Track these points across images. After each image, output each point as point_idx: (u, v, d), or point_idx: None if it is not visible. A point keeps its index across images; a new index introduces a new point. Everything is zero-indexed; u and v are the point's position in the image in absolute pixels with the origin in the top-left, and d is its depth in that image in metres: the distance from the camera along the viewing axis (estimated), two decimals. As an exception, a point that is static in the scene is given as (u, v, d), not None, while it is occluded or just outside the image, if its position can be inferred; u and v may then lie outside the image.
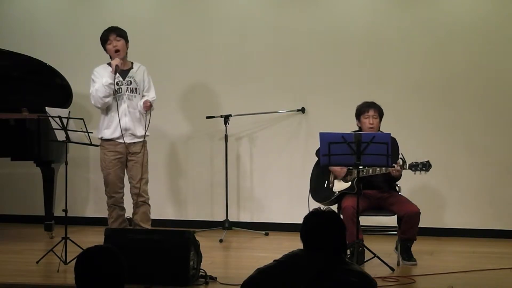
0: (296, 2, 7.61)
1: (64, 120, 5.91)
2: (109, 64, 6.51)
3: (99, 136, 6.55)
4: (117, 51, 6.44)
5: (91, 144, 6.03)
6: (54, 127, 5.99)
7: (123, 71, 6.52)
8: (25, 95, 7.25)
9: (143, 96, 6.58)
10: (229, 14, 7.72)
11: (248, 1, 7.75)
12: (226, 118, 7.42)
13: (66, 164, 6.13)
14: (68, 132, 5.94)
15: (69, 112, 6.06)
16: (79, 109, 7.25)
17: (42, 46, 7.75)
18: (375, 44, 7.49)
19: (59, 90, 7.21)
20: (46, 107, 6.10)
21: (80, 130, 5.96)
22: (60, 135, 6.00)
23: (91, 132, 5.99)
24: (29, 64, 7.19)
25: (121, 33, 6.50)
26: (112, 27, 6.53)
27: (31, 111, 7.06)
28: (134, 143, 6.53)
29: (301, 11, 7.57)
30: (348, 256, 5.75)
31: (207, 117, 7.52)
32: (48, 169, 6.98)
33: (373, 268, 5.72)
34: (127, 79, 6.52)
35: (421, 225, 6.17)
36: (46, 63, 7.15)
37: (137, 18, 7.65)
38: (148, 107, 6.48)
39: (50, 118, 5.99)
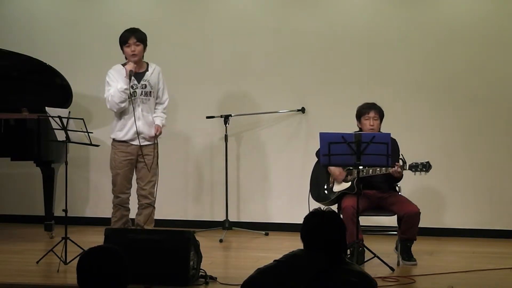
0: (296, 2, 7.61)
1: (64, 120, 5.91)
2: (123, 65, 6.45)
3: (112, 137, 6.52)
4: (133, 55, 6.39)
5: (91, 144, 6.02)
6: (54, 127, 5.99)
7: (138, 74, 6.44)
8: (25, 95, 7.25)
9: (157, 97, 6.55)
10: (229, 14, 7.72)
11: (248, 1, 7.75)
12: (226, 118, 7.43)
13: (66, 164, 6.13)
14: (68, 132, 5.94)
15: (69, 112, 6.06)
16: (79, 109, 7.25)
17: (42, 46, 7.75)
18: (375, 44, 7.49)
19: (59, 90, 7.21)
20: (46, 107, 6.10)
21: (80, 130, 5.96)
22: (60, 135, 6.00)
23: (91, 132, 5.99)
24: (29, 64, 7.19)
25: (141, 37, 6.41)
26: (133, 28, 6.43)
27: (31, 111, 7.05)
28: (146, 145, 6.51)
29: (301, 11, 7.57)
30: (348, 256, 5.75)
31: (207, 117, 7.52)
32: (48, 169, 6.98)
33: (373, 268, 5.72)
34: (142, 82, 6.45)
35: (421, 225, 6.17)
36: (46, 63, 7.14)
37: (137, 18, 7.63)
38: (157, 136, 6.50)
39: (50, 118, 5.99)
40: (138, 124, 6.42)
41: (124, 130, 6.43)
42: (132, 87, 6.38)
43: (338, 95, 7.51)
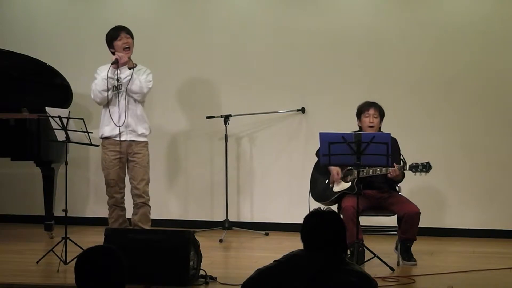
0: (296, 2, 7.61)
1: (64, 120, 5.91)
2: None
3: (100, 134, 6.56)
4: (127, 48, 6.46)
5: (91, 144, 6.03)
6: (54, 127, 5.99)
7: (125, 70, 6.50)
8: (25, 95, 7.25)
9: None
10: (229, 14, 7.72)
11: (248, 1, 7.75)
12: (226, 118, 7.42)
13: (66, 164, 6.12)
14: (68, 132, 5.94)
15: (69, 112, 6.07)
16: (79, 109, 7.25)
17: (42, 46, 7.75)
18: (375, 44, 7.49)
19: (59, 90, 7.21)
20: (46, 107, 6.11)
21: (80, 130, 5.97)
22: (60, 135, 6.00)
23: (91, 132, 5.99)
24: (29, 64, 7.19)
25: (130, 32, 6.53)
26: (120, 25, 6.55)
27: (31, 111, 7.05)
28: (135, 142, 6.53)
29: (301, 11, 7.57)
30: (348, 256, 5.75)
31: (207, 117, 7.52)
32: (48, 169, 6.98)
33: (373, 268, 5.72)
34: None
35: (421, 225, 6.17)
36: (46, 63, 7.14)
37: (137, 18, 7.64)
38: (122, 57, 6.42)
39: (50, 118, 5.99)
40: (124, 116, 6.44)
41: (111, 125, 6.48)
42: (117, 80, 6.41)
43: (338, 95, 7.50)
